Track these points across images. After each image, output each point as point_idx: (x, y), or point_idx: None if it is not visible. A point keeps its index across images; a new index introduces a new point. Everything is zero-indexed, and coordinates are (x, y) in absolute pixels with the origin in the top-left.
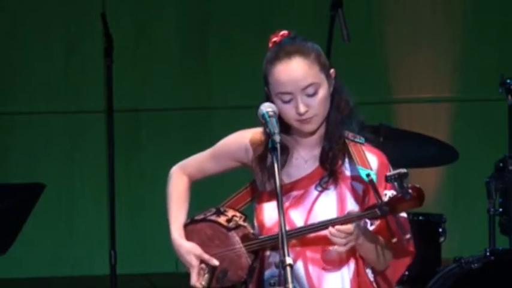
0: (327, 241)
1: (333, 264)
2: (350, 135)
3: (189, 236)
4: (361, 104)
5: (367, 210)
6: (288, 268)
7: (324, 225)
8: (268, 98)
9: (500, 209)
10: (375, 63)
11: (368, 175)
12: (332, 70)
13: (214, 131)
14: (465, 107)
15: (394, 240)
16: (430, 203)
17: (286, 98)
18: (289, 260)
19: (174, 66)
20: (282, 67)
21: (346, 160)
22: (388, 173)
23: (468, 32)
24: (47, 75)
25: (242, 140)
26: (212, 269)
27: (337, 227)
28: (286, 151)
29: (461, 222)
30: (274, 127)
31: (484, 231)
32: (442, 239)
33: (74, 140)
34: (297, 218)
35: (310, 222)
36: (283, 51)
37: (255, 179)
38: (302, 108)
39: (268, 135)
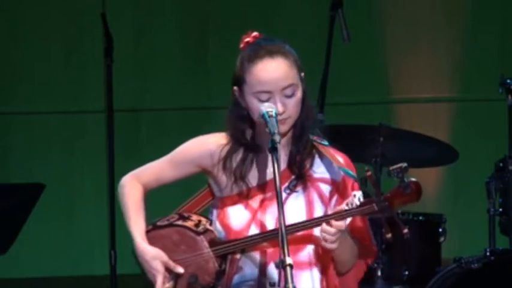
0: (298, 242)
1: (305, 265)
2: (315, 137)
3: (151, 242)
4: (361, 104)
5: (364, 206)
6: (288, 268)
7: (319, 221)
8: (236, 99)
9: (500, 209)
10: (375, 63)
11: (348, 174)
12: (303, 74)
13: (214, 131)
14: (465, 107)
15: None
16: (430, 203)
17: (264, 97)
18: (289, 260)
19: (174, 66)
20: (263, 65)
21: (317, 161)
22: (392, 167)
23: (468, 32)
24: (47, 75)
25: (206, 145)
26: (176, 277)
27: (333, 222)
28: (254, 151)
29: (461, 222)
30: (274, 127)
31: (484, 231)
32: (442, 239)
33: (74, 140)
34: (267, 220)
35: None
36: (265, 50)
37: (212, 184)
38: (280, 108)
39: (267, 135)
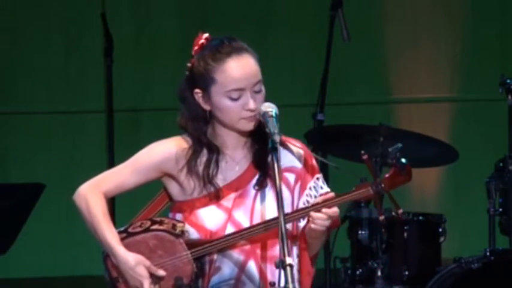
0: (274, 237)
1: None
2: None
3: (127, 250)
4: (361, 104)
5: (359, 190)
6: (288, 268)
7: (313, 208)
8: (194, 101)
9: (500, 209)
10: (375, 63)
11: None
12: None
13: None
14: (465, 107)
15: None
16: (430, 203)
17: (236, 95)
18: (289, 260)
19: (174, 66)
20: (234, 63)
21: (279, 152)
22: (390, 148)
23: (468, 32)
24: (47, 75)
25: (169, 150)
26: (158, 280)
27: (325, 210)
28: (216, 151)
29: (461, 222)
30: (274, 127)
31: (484, 231)
32: (442, 239)
33: (74, 140)
34: (242, 218)
35: (254, 220)
36: (229, 48)
37: (171, 188)
38: (253, 105)
39: (268, 134)
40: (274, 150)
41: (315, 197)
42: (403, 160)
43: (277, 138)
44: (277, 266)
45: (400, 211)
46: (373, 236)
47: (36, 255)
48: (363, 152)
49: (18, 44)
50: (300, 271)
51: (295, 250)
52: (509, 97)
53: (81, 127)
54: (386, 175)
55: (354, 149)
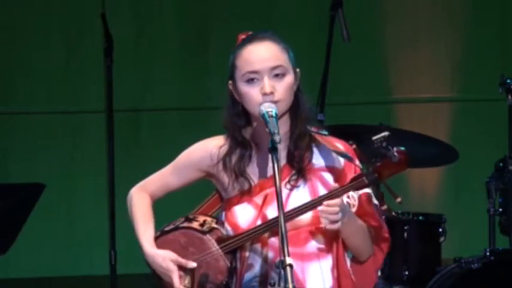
0: (305, 233)
1: (313, 256)
2: (313, 128)
3: (160, 248)
4: (361, 104)
5: (353, 181)
6: (288, 268)
7: (313, 204)
8: (231, 95)
9: (500, 209)
10: (375, 63)
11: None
12: (298, 70)
13: (214, 131)
14: (465, 107)
15: (374, 224)
16: (430, 203)
17: (252, 76)
18: (289, 260)
19: (174, 66)
20: (251, 47)
21: (315, 152)
22: (374, 137)
23: (468, 32)
24: (47, 75)
25: (206, 148)
26: (191, 272)
27: (326, 202)
28: (250, 147)
29: (461, 222)
30: (274, 127)
31: (484, 231)
32: (442, 239)
33: (74, 140)
34: (273, 214)
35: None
36: (255, 37)
37: (218, 188)
38: (268, 88)
39: (270, 134)
40: (274, 150)
41: (355, 198)
42: (402, 148)
43: (277, 138)
44: (277, 266)
45: (399, 199)
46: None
47: (36, 255)
48: (351, 141)
49: (18, 44)
50: (337, 271)
51: (334, 250)
52: (509, 97)
53: (81, 127)
54: (378, 164)
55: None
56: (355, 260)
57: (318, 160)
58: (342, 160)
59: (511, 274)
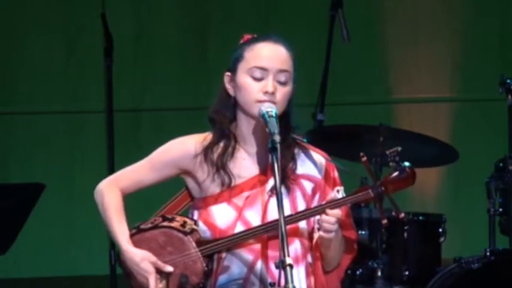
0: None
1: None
2: (297, 136)
3: (137, 246)
4: (361, 104)
5: (358, 193)
6: (288, 268)
7: (315, 211)
8: (224, 87)
9: (500, 209)
10: (374, 63)
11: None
12: (296, 74)
13: None
14: (465, 107)
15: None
16: (430, 203)
17: (258, 74)
18: (289, 260)
19: (174, 66)
20: (266, 44)
21: (301, 158)
22: (388, 151)
23: (468, 32)
24: (47, 75)
25: (187, 147)
26: (167, 276)
27: (329, 211)
28: (234, 142)
29: (461, 222)
30: (274, 127)
31: (484, 231)
32: (442, 239)
33: (74, 140)
34: (253, 217)
35: (267, 221)
36: (270, 37)
37: (191, 186)
38: (271, 87)
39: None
40: (274, 150)
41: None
42: (407, 163)
43: (277, 138)
44: (277, 266)
45: (402, 215)
46: (373, 236)
47: (36, 255)
48: (362, 153)
49: (18, 44)
50: (314, 280)
51: (309, 258)
52: (509, 97)
53: (81, 127)
54: (387, 178)
55: (354, 149)
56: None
57: (302, 166)
58: (322, 169)
59: (511, 274)
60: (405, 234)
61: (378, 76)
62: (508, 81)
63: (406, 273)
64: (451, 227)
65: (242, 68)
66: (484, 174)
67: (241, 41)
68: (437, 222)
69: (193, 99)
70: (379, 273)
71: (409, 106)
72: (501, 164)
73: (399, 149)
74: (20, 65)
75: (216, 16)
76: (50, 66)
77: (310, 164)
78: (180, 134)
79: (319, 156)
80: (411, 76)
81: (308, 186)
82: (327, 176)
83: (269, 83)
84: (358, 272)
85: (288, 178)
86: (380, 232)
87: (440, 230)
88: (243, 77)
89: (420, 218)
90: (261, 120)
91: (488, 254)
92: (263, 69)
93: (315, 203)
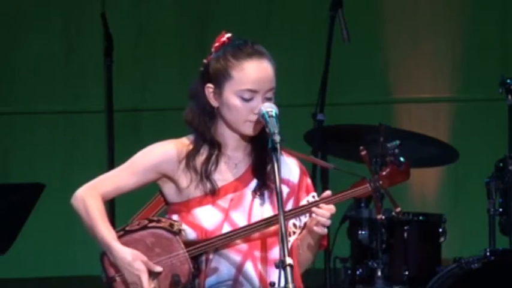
0: (271, 236)
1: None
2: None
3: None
4: (361, 104)
5: (356, 188)
6: (288, 268)
7: (310, 206)
8: (203, 96)
9: (500, 209)
10: (375, 63)
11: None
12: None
13: None
14: (465, 107)
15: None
16: (430, 203)
17: (248, 96)
18: (289, 260)
19: (174, 66)
20: (254, 64)
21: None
22: (389, 144)
23: (468, 32)
24: (47, 75)
25: (168, 152)
26: (156, 277)
27: (324, 205)
28: (218, 149)
29: (461, 222)
30: (274, 127)
31: (484, 231)
32: (442, 239)
33: (74, 140)
34: (239, 219)
35: (252, 221)
36: (252, 50)
37: (167, 191)
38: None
39: (268, 134)
40: (275, 150)
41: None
42: (402, 158)
43: (277, 138)
44: (277, 266)
45: (398, 209)
46: (373, 236)
47: (36, 255)
48: (361, 147)
49: (18, 44)
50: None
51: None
52: (509, 97)
53: (81, 127)
54: (384, 172)
55: (354, 149)
56: None
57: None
58: (296, 174)
59: (511, 274)
60: (405, 234)
61: (378, 76)
62: (508, 81)
63: (406, 273)
64: (451, 227)
65: (230, 88)
66: (484, 174)
67: (217, 44)
68: (437, 222)
69: None
70: (379, 273)
71: (409, 106)
72: (501, 164)
73: (398, 142)
74: (20, 65)
75: (215, 16)
76: (50, 66)
77: (287, 168)
78: (180, 134)
79: (294, 161)
80: (411, 76)
81: (284, 190)
82: (301, 181)
83: (259, 105)
84: (358, 272)
85: (270, 181)
86: (380, 232)
87: (440, 230)
88: (231, 98)
89: (420, 218)
90: (261, 120)
91: (488, 254)
92: (255, 91)
93: (289, 207)
